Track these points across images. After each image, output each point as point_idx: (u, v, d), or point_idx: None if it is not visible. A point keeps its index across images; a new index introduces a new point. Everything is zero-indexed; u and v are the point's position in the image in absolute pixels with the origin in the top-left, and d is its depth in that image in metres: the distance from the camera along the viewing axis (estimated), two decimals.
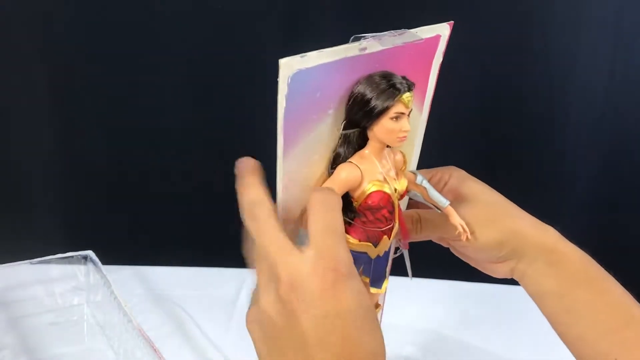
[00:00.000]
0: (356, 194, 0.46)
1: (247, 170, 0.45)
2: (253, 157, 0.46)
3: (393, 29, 0.45)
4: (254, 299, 0.43)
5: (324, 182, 0.47)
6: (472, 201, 0.53)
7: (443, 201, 0.51)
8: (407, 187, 0.49)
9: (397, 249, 0.54)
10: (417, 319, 0.85)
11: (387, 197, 0.46)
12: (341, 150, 0.47)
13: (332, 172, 0.46)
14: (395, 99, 0.44)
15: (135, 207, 1.12)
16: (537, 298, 0.53)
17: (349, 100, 0.45)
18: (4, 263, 0.72)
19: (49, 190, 1.11)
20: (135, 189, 1.11)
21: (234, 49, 1.03)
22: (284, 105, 0.42)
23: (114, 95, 1.05)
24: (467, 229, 0.50)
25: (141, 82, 1.04)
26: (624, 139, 1.07)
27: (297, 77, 0.41)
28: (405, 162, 0.50)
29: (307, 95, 0.43)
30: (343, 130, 0.46)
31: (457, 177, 0.55)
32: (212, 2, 1.00)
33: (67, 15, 1.00)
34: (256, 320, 0.42)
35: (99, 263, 0.74)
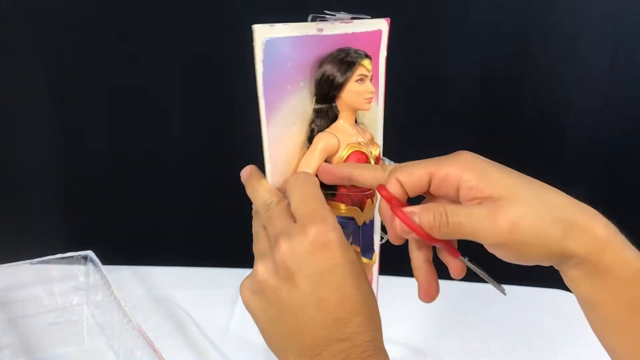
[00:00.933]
0: (335, 160, 0.50)
1: (253, 175, 0.51)
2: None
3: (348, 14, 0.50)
4: (250, 275, 0.45)
5: (304, 154, 0.50)
6: (505, 207, 0.41)
7: None
8: (380, 157, 0.52)
9: (382, 236, 0.57)
10: (417, 319, 0.85)
11: (365, 157, 0.50)
12: (316, 123, 0.51)
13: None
14: (357, 62, 0.49)
15: (135, 207, 1.12)
16: (574, 293, 0.48)
17: (317, 75, 0.49)
18: (4, 263, 0.72)
19: (49, 190, 1.11)
20: (135, 189, 1.11)
21: (233, 48, 1.03)
22: (261, 70, 0.46)
23: (114, 95, 1.05)
24: None
25: (141, 83, 1.04)
26: (624, 139, 1.07)
27: (269, 44, 0.46)
28: (374, 142, 0.53)
29: (280, 63, 0.47)
30: (315, 104, 0.50)
31: (473, 172, 0.43)
32: (208, 3, 1.00)
33: (67, 15, 1.00)
34: (253, 290, 0.44)
35: (99, 263, 0.74)
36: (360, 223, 0.51)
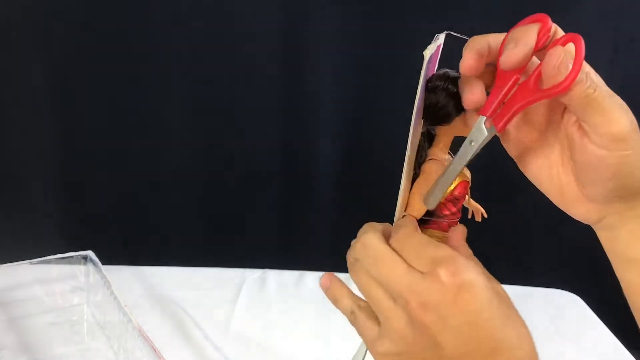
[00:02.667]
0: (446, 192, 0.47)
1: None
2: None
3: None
4: (376, 329, 0.40)
5: (413, 178, 0.48)
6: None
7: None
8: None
9: None
10: None
11: (467, 184, 0.48)
12: (425, 148, 0.48)
13: (419, 170, 0.48)
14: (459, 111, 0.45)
15: (135, 207, 1.12)
16: (618, 260, 0.45)
17: (428, 100, 0.46)
18: (4, 263, 0.72)
19: (49, 190, 1.11)
20: (136, 190, 1.11)
21: (234, 47, 1.03)
22: (422, 78, 0.44)
23: (114, 95, 1.05)
24: (483, 212, 0.50)
25: (142, 83, 1.04)
26: None
27: (428, 62, 0.43)
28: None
29: (424, 81, 0.44)
30: (424, 126, 0.47)
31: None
32: (209, 2, 1.00)
33: (67, 15, 1.00)
34: (392, 351, 0.39)
35: (99, 263, 0.74)
36: None
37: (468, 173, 0.49)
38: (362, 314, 0.41)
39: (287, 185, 1.11)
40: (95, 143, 1.09)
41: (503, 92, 0.42)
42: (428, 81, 0.45)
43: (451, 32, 0.44)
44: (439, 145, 0.48)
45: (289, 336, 0.79)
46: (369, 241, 0.41)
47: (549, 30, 0.40)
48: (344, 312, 0.43)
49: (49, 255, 0.74)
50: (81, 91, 1.05)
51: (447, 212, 0.48)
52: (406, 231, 0.41)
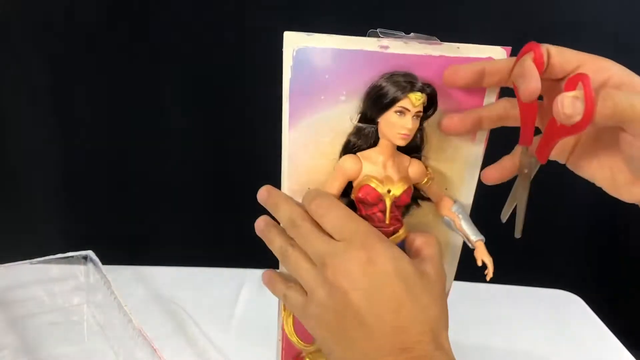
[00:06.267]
0: (354, 184, 0.49)
1: (272, 193, 0.51)
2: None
3: (429, 35, 0.46)
4: (303, 300, 0.47)
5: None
6: None
7: (475, 235, 0.51)
8: (407, 197, 0.49)
9: None
10: None
11: (377, 194, 0.47)
12: (353, 138, 0.49)
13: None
14: (404, 93, 0.45)
15: (135, 207, 1.12)
16: None
17: (363, 94, 0.47)
18: (4, 263, 0.72)
19: (49, 190, 1.11)
20: (136, 189, 1.11)
21: (236, 45, 1.03)
22: (289, 75, 0.46)
23: (114, 95, 1.05)
24: (492, 268, 0.50)
25: (142, 83, 1.04)
26: None
27: (303, 53, 0.45)
28: (428, 177, 0.51)
29: (314, 73, 0.45)
30: (358, 122, 0.48)
31: (625, 70, 0.44)
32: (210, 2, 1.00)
33: (67, 15, 1.00)
34: (313, 314, 0.45)
35: (99, 263, 0.74)
36: None
37: (394, 189, 0.48)
38: (291, 291, 0.48)
39: None
40: (96, 143, 1.09)
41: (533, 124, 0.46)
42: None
43: (378, 30, 0.45)
44: (375, 148, 0.48)
45: None
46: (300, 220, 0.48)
47: (542, 56, 0.43)
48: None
49: (49, 255, 0.74)
50: (81, 91, 1.05)
51: (362, 212, 0.49)
52: (330, 202, 0.47)
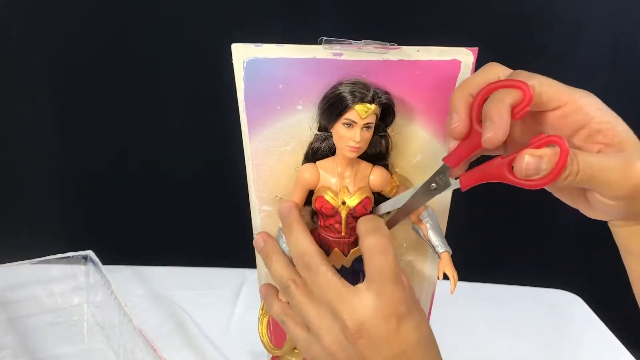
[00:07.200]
0: (314, 193, 0.48)
1: (290, 217, 0.47)
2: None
3: (384, 41, 0.44)
4: (309, 339, 0.45)
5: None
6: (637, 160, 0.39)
7: (441, 246, 0.49)
8: (363, 208, 0.47)
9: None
10: None
11: (330, 206, 0.46)
12: (316, 145, 0.48)
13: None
14: (349, 105, 0.43)
15: (135, 207, 1.12)
16: (623, 252, 0.47)
17: (318, 102, 0.46)
18: (4, 263, 0.72)
19: (49, 190, 1.11)
20: (135, 190, 1.11)
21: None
22: (242, 87, 0.45)
23: (114, 95, 1.05)
24: (456, 281, 0.49)
25: (142, 83, 1.04)
26: None
27: (253, 64, 0.44)
28: (391, 185, 0.49)
29: (268, 84, 0.45)
30: (318, 130, 0.47)
31: (608, 116, 0.41)
32: (209, 6, 1.00)
33: (67, 14, 1.00)
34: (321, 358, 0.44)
35: (99, 263, 0.74)
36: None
37: (349, 200, 0.47)
38: (290, 320, 0.47)
39: None
40: (96, 143, 1.08)
41: (475, 152, 0.41)
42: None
43: (327, 38, 0.44)
44: (333, 157, 0.47)
45: None
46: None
47: (530, 99, 0.39)
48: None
49: (49, 255, 0.74)
50: (81, 91, 1.05)
51: (321, 223, 0.48)
52: (317, 266, 0.44)
